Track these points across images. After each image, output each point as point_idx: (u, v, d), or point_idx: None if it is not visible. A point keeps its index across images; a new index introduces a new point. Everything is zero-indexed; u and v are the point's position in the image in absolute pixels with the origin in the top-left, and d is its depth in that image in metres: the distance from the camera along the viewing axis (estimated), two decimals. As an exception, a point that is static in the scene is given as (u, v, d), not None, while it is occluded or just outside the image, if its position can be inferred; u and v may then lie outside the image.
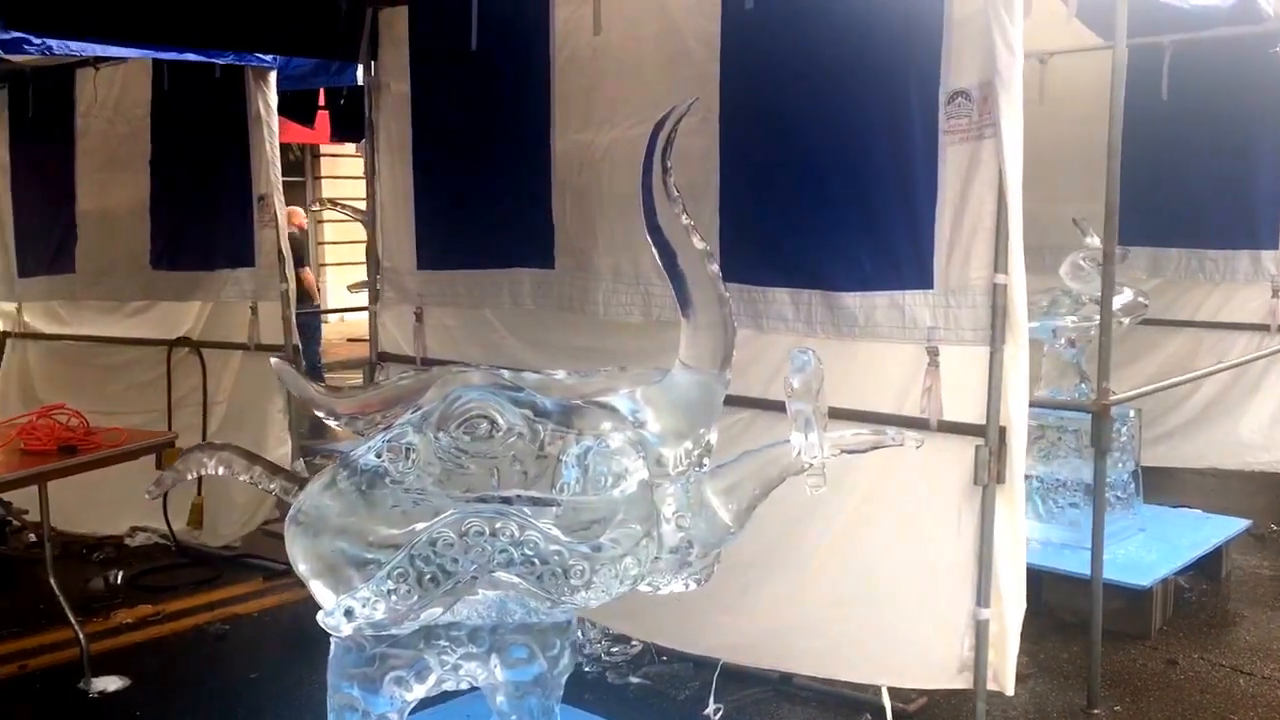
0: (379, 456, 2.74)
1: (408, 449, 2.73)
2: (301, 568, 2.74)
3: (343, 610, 2.68)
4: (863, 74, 3.97)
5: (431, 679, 2.90)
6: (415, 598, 2.65)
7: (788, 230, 4.23)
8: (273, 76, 5.94)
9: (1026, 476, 5.69)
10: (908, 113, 3.87)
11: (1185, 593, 5.66)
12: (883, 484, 3.98)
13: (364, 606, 2.66)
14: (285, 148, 18.98)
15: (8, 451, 4.57)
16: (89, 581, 5.90)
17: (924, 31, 3.79)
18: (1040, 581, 5.37)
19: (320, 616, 2.70)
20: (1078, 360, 5.82)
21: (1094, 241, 5.86)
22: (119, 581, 5.92)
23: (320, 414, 2.92)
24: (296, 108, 8.07)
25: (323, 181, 19.69)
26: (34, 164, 7.34)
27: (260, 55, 5.77)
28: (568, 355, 4.67)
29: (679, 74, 4.44)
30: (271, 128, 5.97)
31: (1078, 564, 4.95)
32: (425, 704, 3.31)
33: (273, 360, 2.99)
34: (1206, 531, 5.94)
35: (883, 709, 4.25)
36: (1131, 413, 5.85)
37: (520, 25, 4.90)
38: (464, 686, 2.97)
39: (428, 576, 2.64)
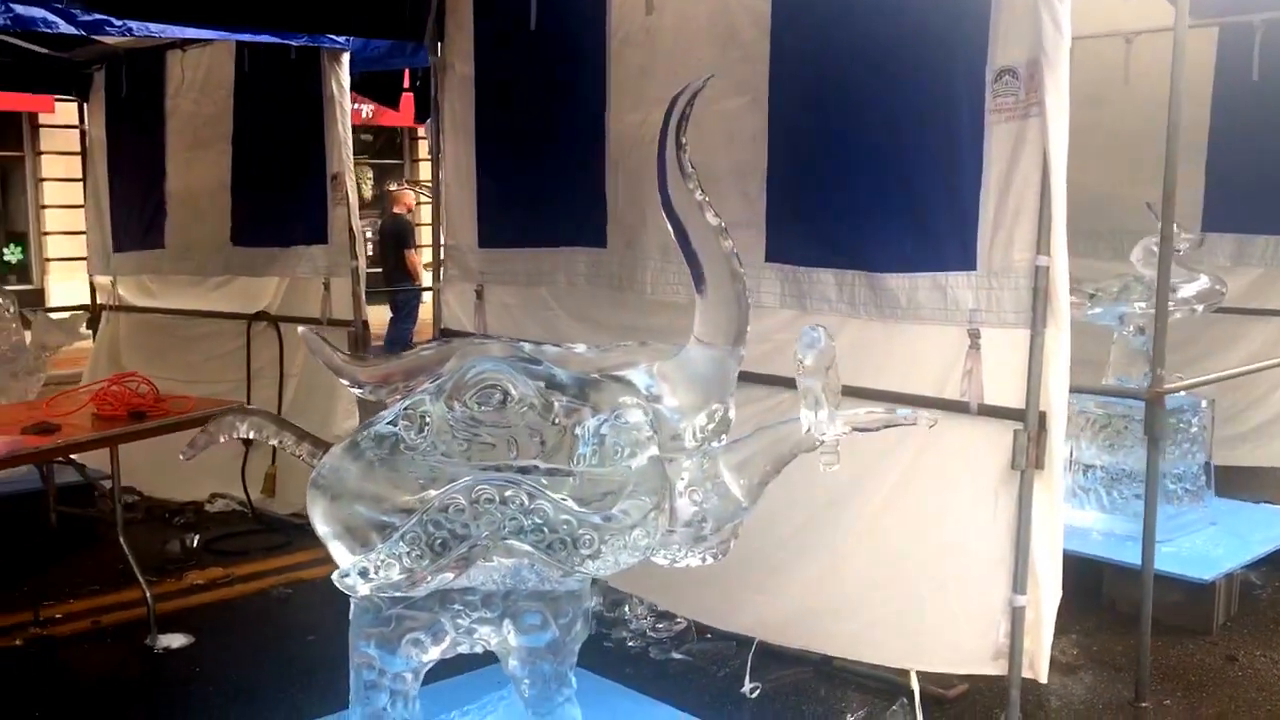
0: (396, 424, 2.82)
1: (423, 417, 2.80)
2: (321, 529, 2.83)
3: (358, 571, 2.78)
4: (912, 52, 3.93)
5: (447, 641, 2.98)
6: (427, 561, 2.73)
7: (833, 210, 4.21)
8: (345, 58, 6.09)
9: (1090, 467, 5.65)
10: (955, 91, 3.82)
11: (1255, 589, 5.48)
12: (920, 467, 3.96)
13: (378, 568, 2.76)
14: (390, 130, 19.46)
15: (81, 416, 4.79)
16: (166, 544, 6.15)
17: (973, 8, 3.74)
18: (1101, 573, 5.28)
19: (335, 576, 2.81)
20: (1147, 348, 5.64)
21: (1169, 226, 5.69)
22: (194, 545, 6.16)
23: (345, 382, 3.01)
24: (382, 90, 8.25)
25: (420, 164, 20.06)
26: (128, 143, 7.66)
27: (333, 37, 5.91)
28: (619, 333, 4.70)
29: (730, 54, 4.44)
30: (344, 108, 6.11)
31: (1139, 556, 4.83)
32: (460, 669, 3.41)
33: (300, 329, 3.08)
34: (1280, 528, 5.76)
35: (923, 694, 4.23)
36: (1204, 403, 5.70)
37: (578, 6, 4.95)
38: (478, 650, 3.04)
39: (439, 541, 2.72)
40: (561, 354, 3.01)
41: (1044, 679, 3.78)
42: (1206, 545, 5.42)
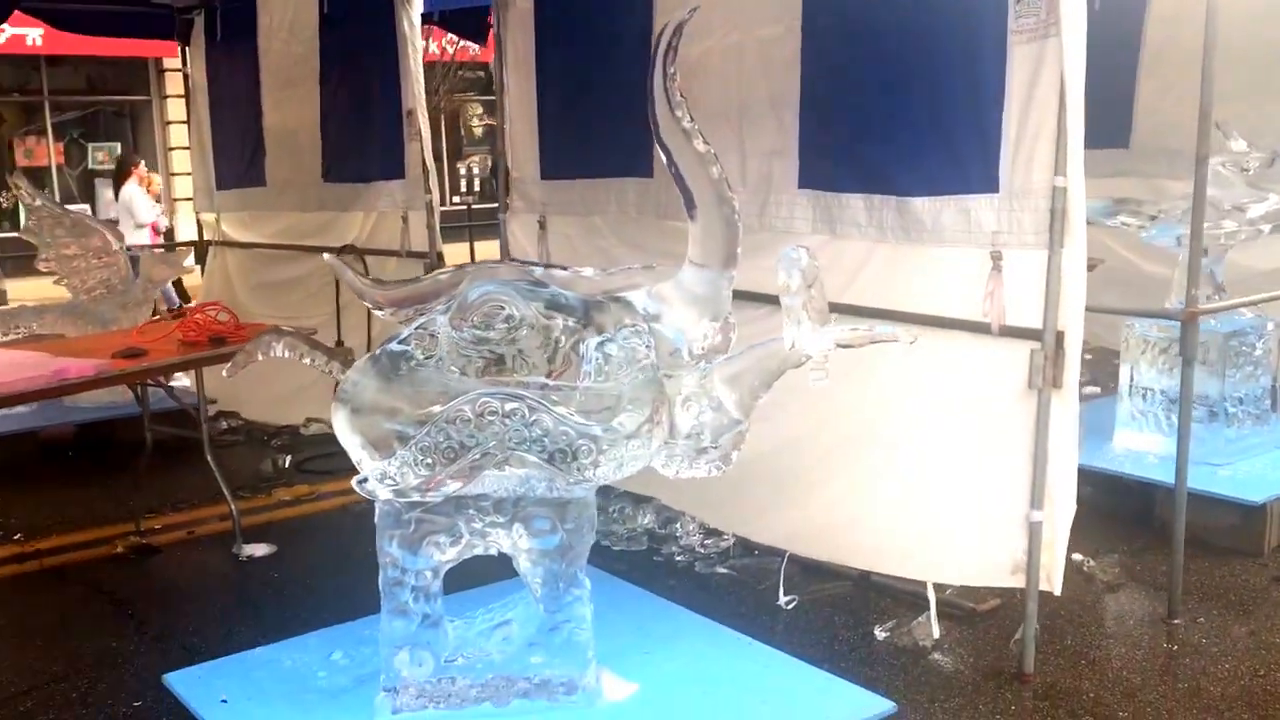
0: (407, 343, 3.06)
1: (432, 336, 3.04)
2: (343, 439, 3.11)
3: (376, 476, 3.05)
4: (938, -25, 3.96)
5: (463, 543, 3.23)
6: (438, 468, 2.98)
7: (863, 136, 4.29)
8: (417, -5, 6.30)
9: (1149, 390, 5.61)
10: (979, 13, 3.86)
11: (1316, 513, 5.41)
12: (944, 388, 4.05)
13: (392, 476, 3.02)
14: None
15: (168, 343, 5.17)
16: (260, 464, 6.59)
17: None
18: (1153, 496, 5.28)
19: (354, 481, 3.08)
20: (1210, 270, 5.57)
21: (1238, 145, 5.57)
22: (286, 465, 6.58)
23: (367, 304, 3.25)
24: (469, 26, 8.45)
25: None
26: (227, 85, 8.04)
27: (402, -27, 6.12)
28: (665, 261, 4.86)
29: (767, -17, 4.52)
30: (415, 45, 6.31)
31: (1196, 479, 4.83)
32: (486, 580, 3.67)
33: (325, 255, 3.33)
34: (1350, 452, 5.64)
35: (956, 607, 4.35)
36: (1270, 325, 5.60)
37: (626, -62, 5.07)
38: (493, 552, 3.28)
39: (447, 450, 2.96)
40: (569, 277, 3.20)
41: (1058, 592, 3.88)
42: (1265, 468, 5.37)
